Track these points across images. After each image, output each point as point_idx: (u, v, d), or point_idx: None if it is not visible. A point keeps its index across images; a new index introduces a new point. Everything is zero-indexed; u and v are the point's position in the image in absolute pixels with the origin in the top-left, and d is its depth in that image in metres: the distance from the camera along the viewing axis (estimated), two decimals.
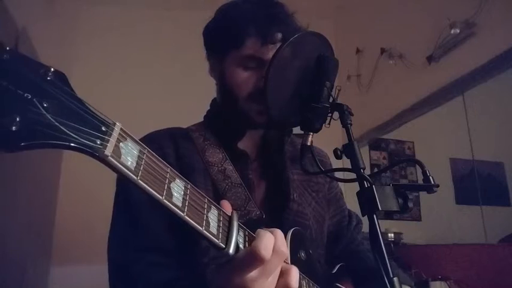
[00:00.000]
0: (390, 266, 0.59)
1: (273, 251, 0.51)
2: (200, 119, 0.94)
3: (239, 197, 0.78)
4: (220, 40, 0.86)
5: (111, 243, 0.76)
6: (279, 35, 0.83)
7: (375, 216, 0.62)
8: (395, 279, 0.58)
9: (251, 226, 0.59)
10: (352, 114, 0.72)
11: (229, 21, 0.86)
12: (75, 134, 0.38)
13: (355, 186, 0.66)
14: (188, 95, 2.63)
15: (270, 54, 0.81)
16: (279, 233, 0.54)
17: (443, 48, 2.38)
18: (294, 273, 0.55)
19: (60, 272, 2.61)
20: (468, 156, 3.15)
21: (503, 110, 3.16)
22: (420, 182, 0.66)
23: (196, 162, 0.81)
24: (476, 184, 3.20)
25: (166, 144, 0.82)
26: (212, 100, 0.94)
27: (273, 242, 0.51)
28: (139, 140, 0.82)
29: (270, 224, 0.75)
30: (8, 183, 1.82)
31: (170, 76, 3.12)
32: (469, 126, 2.98)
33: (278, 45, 0.82)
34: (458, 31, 2.23)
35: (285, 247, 0.53)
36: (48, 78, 0.39)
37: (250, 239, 0.55)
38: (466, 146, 3.04)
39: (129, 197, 0.74)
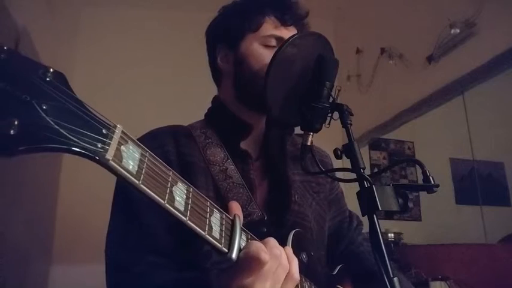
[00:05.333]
0: (390, 267, 0.59)
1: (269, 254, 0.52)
2: (202, 118, 0.93)
3: (241, 197, 0.77)
4: (236, 25, 0.85)
5: (110, 243, 0.75)
6: (295, 15, 0.85)
7: (375, 216, 0.62)
8: (395, 279, 0.58)
9: (252, 227, 0.59)
10: (352, 114, 0.72)
11: (245, 5, 0.87)
12: (75, 138, 0.37)
13: (355, 186, 0.65)
14: (190, 95, 2.63)
15: (289, 34, 0.83)
16: (271, 238, 0.56)
17: (443, 48, 2.37)
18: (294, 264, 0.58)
19: (60, 271, 2.61)
20: (468, 156, 3.15)
21: (503, 110, 3.16)
22: (420, 182, 0.65)
23: (197, 161, 0.80)
24: (476, 184, 3.20)
25: (167, 142, 0.81)
26: (214, 97, 0.92)
27: (265, 247, 0.52)
28: (141, 137, 0.82)
29: (271, 226, 0.75)
30: (8, 183, 1.82)
31: (172, 76, 3.11)
32: (469, 126, 2.98)
33: (293, 27, 0.85)
34: (458, 31, 2.22)
35: (278, 249, 0.54)
36: (48, 79, 0.37)
37: None
38: (466, 146, 3.05)
39: (128, 196, 0.73)
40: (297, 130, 0.83)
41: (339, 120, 0.72)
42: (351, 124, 0.71)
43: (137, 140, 0.81)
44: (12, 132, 0.32)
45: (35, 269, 2.36)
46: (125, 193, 0.75)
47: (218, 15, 0.92)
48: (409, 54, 2.68)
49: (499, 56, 2.03)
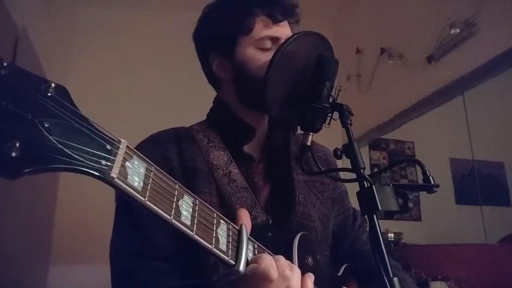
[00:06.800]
0: (394, 268, 0.59)
1: (278, 273, 0.52)
2: (202, 118, 0.92)
3: (245, 201, 0.76)
4: (228, 31, 0.82)
5: (114, 249, 0.74)
6: (285, 9, 0.82)
7: (375, 216, 0.62)
8: (395, 279, 0.58)
9: (257, 232, 0.59)
10: (352, 114, 0.72)
11: (231, 7, 0.84)
12: (79, 156, 0.36)
13: (356, 186, 0.65)
14: (190, 95, 2.63)
15: (282, 31, 0.81)
16: (282, 257, 0.56)
17: (443, 48, 2.38)
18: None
19: (58, 272, 2.61)
20: (468, 156, 3.14)
21: (503, 110, 3.16)
22: (420, 182, 0.66)
23: (200, 166, 0.78)
24: (476, 184, 3.20)
25: (169, 148, 0.79)
26: (215, 98, 0.91)
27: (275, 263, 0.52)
28: (142, 142, 0.81)
29: (276, 229, 0.75)
30: (7, 184, 1.82)
31: (171, 76, 3.11)
32: (469, 126, 2.98)
33: (286, 21, 0.83)
34: (458, 31, 2.23)
35: (289, 271, 0.54)
36: (49, 94, 0.36)
37: (260, 253, 0.56)
38: (466, 146, 3.04)
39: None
40: (298, 130, 0.82)
41: (339, 120, 0.72)
42: (351, 124, 0.71)
43: (138, 144, 0.80)
44: (14, 154, 0.31)
45: (33, 270, 2.36)
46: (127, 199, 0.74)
47: (205, 17, 0.88)
48: (409, 54, 2.68)
49: (499, 56, 2.03)
